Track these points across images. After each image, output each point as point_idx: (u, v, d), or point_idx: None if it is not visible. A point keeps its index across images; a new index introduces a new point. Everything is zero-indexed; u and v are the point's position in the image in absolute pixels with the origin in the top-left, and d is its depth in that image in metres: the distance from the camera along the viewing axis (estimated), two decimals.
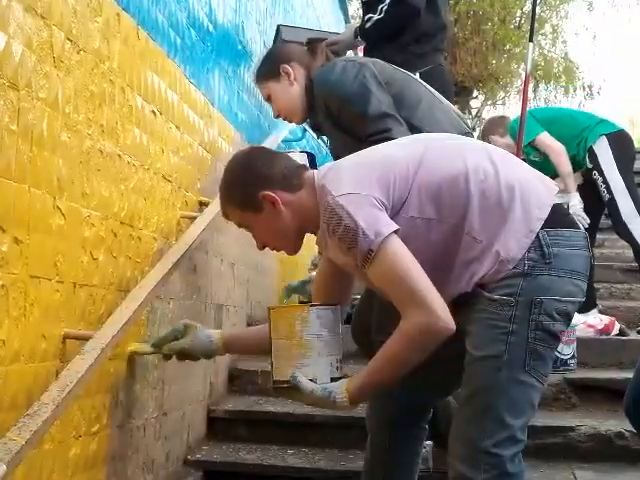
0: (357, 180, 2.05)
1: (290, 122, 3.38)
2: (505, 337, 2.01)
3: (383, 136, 2.72)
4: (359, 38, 3.70)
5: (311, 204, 2.13)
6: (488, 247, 2.02)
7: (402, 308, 1.98)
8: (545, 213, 2.04)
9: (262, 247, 2.31)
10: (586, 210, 4.86)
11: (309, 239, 2.28)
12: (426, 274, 2.00)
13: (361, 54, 4.29)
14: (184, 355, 2.54)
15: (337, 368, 2.14)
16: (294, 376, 2.08)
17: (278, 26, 3.94)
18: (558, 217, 2.08)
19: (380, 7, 3.61)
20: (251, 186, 2.17)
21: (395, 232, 1.97)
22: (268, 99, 3.15)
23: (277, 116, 3.19)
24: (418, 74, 3.25)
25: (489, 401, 2.02)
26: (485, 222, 2.02)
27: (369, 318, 2.83)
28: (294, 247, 2.28)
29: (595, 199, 4.88)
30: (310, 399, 2.09)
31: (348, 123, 2.89)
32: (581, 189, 4.94)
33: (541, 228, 2.03)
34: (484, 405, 2.03)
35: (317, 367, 2.12)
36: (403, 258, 1.97)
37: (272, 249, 2.34)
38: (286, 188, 2.17)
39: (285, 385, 2.12)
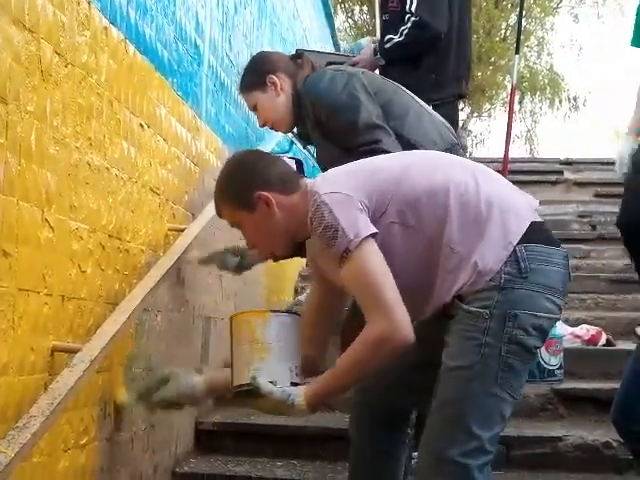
0: (342, 182, 2.09)
1: (277, 131, 3.37)
2: (479, 349, 2.01)
3: (372, 147, 2.74)
4: (379, 56, 3.71)
5: (303, 209, 2.12)
6: (466, 258, 2.03)
7: (367, 312, 2.00)
8: (523, 227, 2.06)
9: (252, 247, 2.31)
10: None
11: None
12: (411, 284, 2.03)
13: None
14: (169, 405, 2.39)
15: (297, 374, 2.16)
16: (254, 377, 2.09)
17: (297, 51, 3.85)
18: (537, 234, 2.08)
19: (401, 29, 3.61)
20: (248, 185, 2.18)
21: (373, 236, 2.00)
22: (254, 108, 3.15)
23: (262, 125, 3.18)
24: (432, 105, 3.20)
25: (459, 411, 2.02)
26: (463, 235, 2.04)
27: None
28: (283, 250, 2.28)
29: None
30: (269, 403, 2.09)
31: (336, 133, 2.89)
32: None
33: (519, 243, 2.04)
34: (454, 415, 2.03)
35: (276, 370, 2.13)
36: (376, 263, 2.00)
37: (261, 251, 2.36)
38: (282, 191, 2.18)
39: (245, 388, 2.12)
